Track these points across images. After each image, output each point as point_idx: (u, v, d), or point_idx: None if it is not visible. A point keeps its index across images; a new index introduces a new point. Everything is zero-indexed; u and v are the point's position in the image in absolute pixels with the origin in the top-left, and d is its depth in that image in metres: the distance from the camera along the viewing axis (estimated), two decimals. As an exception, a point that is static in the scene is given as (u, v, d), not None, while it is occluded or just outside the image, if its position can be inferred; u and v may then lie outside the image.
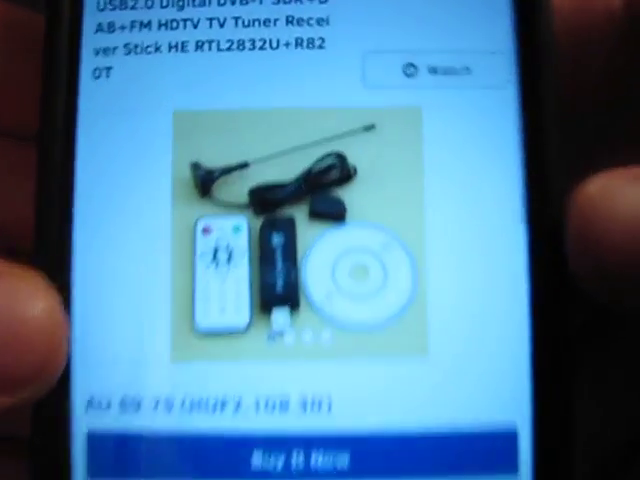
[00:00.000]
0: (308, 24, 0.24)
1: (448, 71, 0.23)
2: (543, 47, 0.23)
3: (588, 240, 0.20)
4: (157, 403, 0.22)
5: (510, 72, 0.23)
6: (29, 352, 0.20)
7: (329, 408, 0.22)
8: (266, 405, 0.22)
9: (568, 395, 0.22)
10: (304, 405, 0.22)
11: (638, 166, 0.20)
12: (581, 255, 0.20)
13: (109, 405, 0.22)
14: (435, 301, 0.22)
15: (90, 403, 0.22)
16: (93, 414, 0.22)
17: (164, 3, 0.24)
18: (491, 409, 0.22)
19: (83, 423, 0.22)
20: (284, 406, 0.22)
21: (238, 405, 0.22)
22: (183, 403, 0.22)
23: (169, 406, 0.22)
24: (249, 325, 0.22)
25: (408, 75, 0.23)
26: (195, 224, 0.23)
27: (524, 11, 0.23)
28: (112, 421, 0.22)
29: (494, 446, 0.22)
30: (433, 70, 0.23)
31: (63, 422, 0.22)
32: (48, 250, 0.23)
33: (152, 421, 0.22)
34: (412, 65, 0.23)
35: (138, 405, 0.22)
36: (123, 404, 0.22)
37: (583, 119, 0.25)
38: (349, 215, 0.23)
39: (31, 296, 0.21)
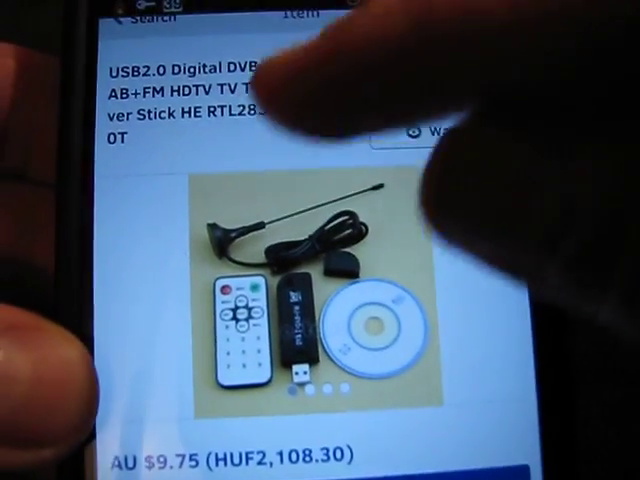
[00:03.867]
0: (316, 89, 0.25)
1: (449, 132, 0.25)
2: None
3: None
4: (182, 460, 0.23)
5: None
6: (71, 408, 0.21)
7: (351, 457, 0.23)
8: (289, 457, 0.23)
9: (575, 436, 0.23)
10: (327, 455, 0.23)
11: None
12: None
13: (134, 464, 0.23)
14: (447, 351, 0.24)
15: (115, 463, 0.23)
16: (118, 474, 0.23)
17: (176, 70, 0.25)
18: (504, 454, 0.23)
19: (109, 484, 0.23)
20: (307, 457, 0.23)
21: (262, 458, 0.23)
22: (208, 458, 0.23)
23: (194, 462, 0.23)
24: (270, 380, 0.23)
25: (412, 136, 0.25)
26: (214, 283, 0.24)
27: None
28: (139, 480, 0.23)
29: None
30: (435, 131, 0.25)
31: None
32: (67, 310, 0.23)
33: (178, 478, 0.23)
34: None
35: (163, 463, 0.23)
36: (148, 462, 0.23)
37: None
38: (362, 271, 0.24)
39: (71, 353, 0.22)
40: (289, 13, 0.25)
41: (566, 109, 0.13)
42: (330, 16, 0.25)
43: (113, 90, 0.25)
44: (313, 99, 0.14)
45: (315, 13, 0.25)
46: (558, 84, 0.12)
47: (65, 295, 0.23)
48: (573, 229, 0.12)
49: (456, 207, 0.13)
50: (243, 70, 0.25)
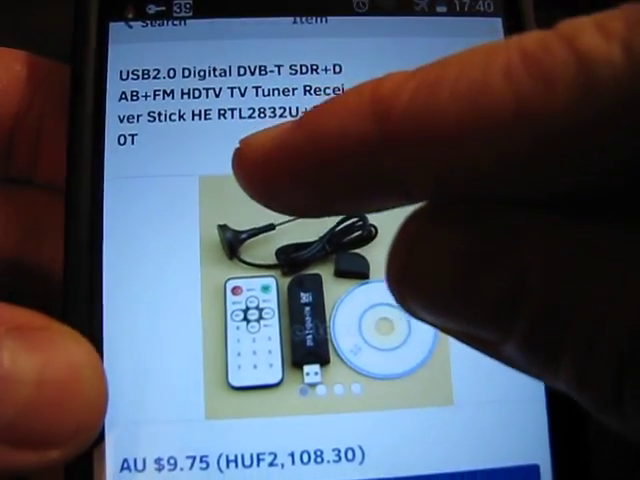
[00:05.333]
0: (325, 93, 0.25)
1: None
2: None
3: None
4: (193, 461, 0.23)
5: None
6: (79, 409, 0.21)
7: (362, 457, 0.23)
8: (301, 458, 0.23)
9: (585, 435, 0.23)
10: (338, 456, 0.23)
11: None
12: None
13: (144, 466, 0.23)
14: (457, 351, 0.24)
15: (124, 465, 0.23)
16: (127, 476, 0.22)
17: (186, 73, 0.25)
18: (515, 453, 0.23)
19: (118, 486, 0.22)
20: (319, 458, 0.23)
21: (274, 459, 0.23)
22: (219, 460, 0.23)
23: (205, 464, 0.23)
24: (281, 381, 0.23)
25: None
26: (225, 284, 0.24)
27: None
28: (149, 482, 0.22)
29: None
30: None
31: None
32: (77, 311, 0.23)
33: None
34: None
35: (174, 464, 0.23)
36: (158, 464, 0.23)
37: None
38: (372, 273, 0.24)
39: (79, 354, 0.21)
40: (298, 19, 0.25)
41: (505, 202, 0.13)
42: (338, 22, 0.26)
43: (123, 92, 0.25)
44: (286, 184, 0.15)
45: (324, 19, 0.26)
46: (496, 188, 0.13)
47: (74, 296, 0.23)
48: (523, 306, 0.13)
49: (414, 286, 0.15)
50: (253, 74, 0.25)
